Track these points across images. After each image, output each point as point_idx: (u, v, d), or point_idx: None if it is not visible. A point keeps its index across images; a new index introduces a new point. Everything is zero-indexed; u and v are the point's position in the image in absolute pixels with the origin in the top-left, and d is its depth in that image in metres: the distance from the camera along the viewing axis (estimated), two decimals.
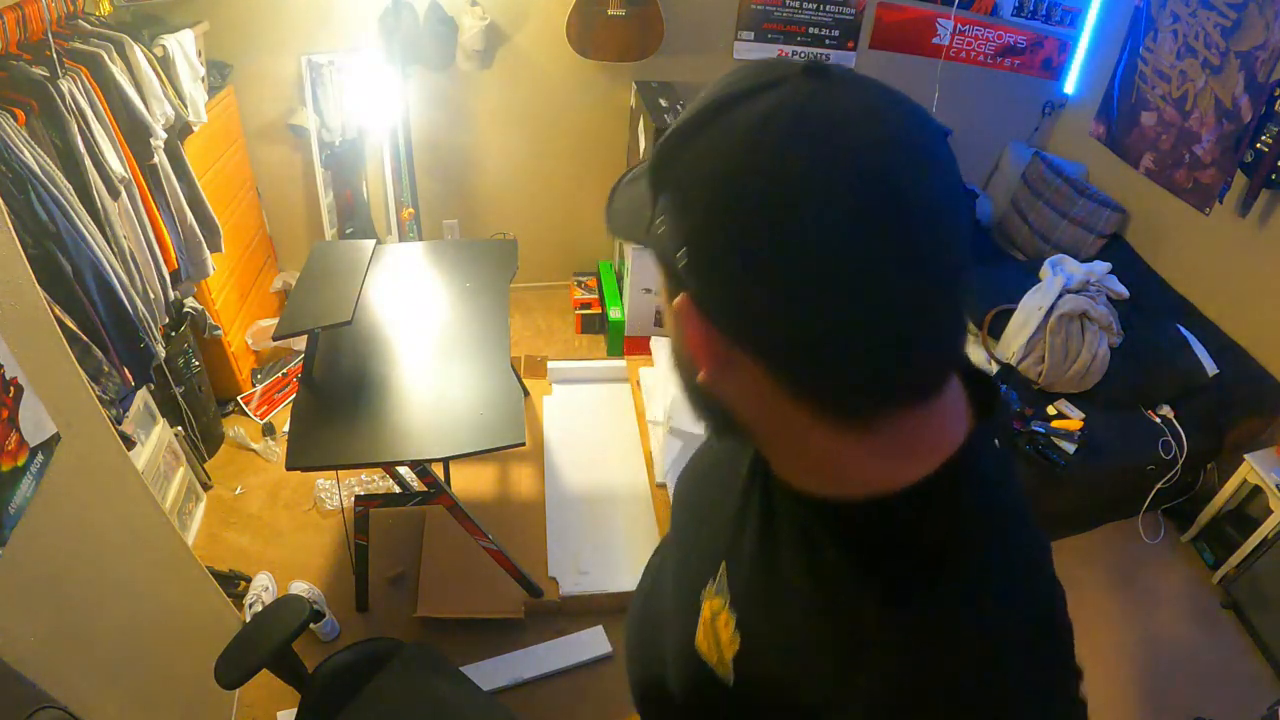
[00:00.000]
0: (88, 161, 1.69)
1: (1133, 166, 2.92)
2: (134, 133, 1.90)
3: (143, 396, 2.09)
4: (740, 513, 0.58)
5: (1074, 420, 2.43)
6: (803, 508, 0.51)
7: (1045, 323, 2.48)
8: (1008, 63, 3.18)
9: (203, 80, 2.32)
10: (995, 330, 2.68)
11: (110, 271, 1.67)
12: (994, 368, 2.63)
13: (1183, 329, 2.56)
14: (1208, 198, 2.59)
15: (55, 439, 1.16)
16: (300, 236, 3.09)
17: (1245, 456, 2.25)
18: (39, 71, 1.62)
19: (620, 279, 3.20)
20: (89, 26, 1.94)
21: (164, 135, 2.01)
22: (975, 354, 2.71)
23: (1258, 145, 2.35)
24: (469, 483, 2.43)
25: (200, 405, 2.44)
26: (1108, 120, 3.06)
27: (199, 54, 2.32)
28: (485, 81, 2.90)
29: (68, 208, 1.57)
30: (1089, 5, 3.08)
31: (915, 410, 0.46)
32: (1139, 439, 2.41)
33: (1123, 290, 2.69)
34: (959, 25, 3.05)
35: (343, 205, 3.05)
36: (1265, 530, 2.19)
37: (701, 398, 0.52)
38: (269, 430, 2.64)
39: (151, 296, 1.93)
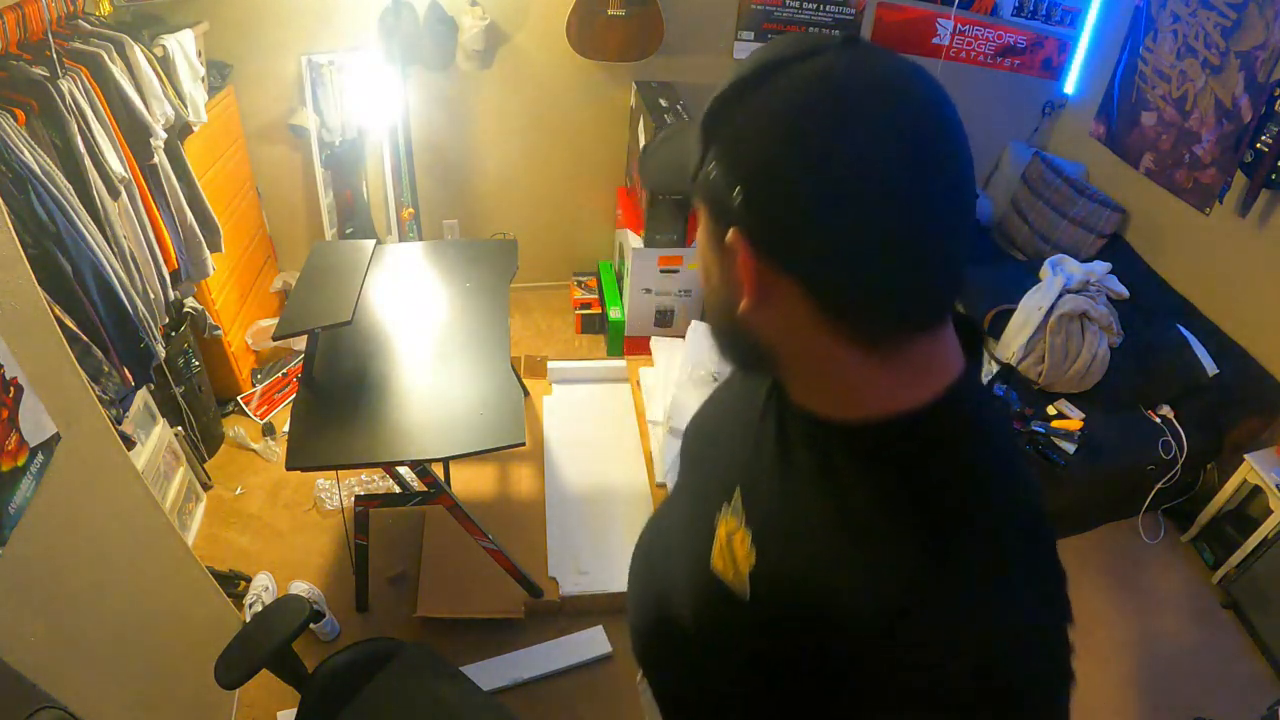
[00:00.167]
0: (88, 161, 1.68)
1: (1133, 166, 2.92)
2: (134, 133, 1.90)
3: (143, 396, 2.09)
4: (756, 442, 0.64)
5: (1074, 420, 2.43)
6: (820, 429, 0.57)
7: (1045, 323, 2.48)
8: (1008, 63, 3.18)
9: (203, 80, 2.32)
10: (995, 330, 2.68)
11: (110, 271, 1.67)
12: (994, 368, 2.63)
13: (1183, 329, 2.56)
14: (1208, 198, 2.59)
15: (55, 439, 1.16)
16: (300, 236, 3.08)
17: (1245, 456, 2.26)
18: (39, 71, 1.62)
19: (620, 279, 3.20)
20: (89, 26, 1.94)
21: (164, 135, 2.01)
22: None
23: (1258, 145, 2.35)
24: (469, 483, 2.43)
25: (200, 405, 2.44)
26: (1108, 120, 3.06)
27: (199, 54, 2.32)
28: (485, 81, 2.90)
29: (68, 208, 1.57)
30: (1089, 5, 3.08)
31: (926, 337, 0.53)
32: (1139, 439, 2.41)
33: (1123, 290, 2.69)
34: (959, 25, 3.05)
35: (343, 205, 3.05)
36: (1265, 530, 2.19)
37: (736, 332, 0.57)
38: (269, 430, 2.64)
39: (151, 296, 1.93)
